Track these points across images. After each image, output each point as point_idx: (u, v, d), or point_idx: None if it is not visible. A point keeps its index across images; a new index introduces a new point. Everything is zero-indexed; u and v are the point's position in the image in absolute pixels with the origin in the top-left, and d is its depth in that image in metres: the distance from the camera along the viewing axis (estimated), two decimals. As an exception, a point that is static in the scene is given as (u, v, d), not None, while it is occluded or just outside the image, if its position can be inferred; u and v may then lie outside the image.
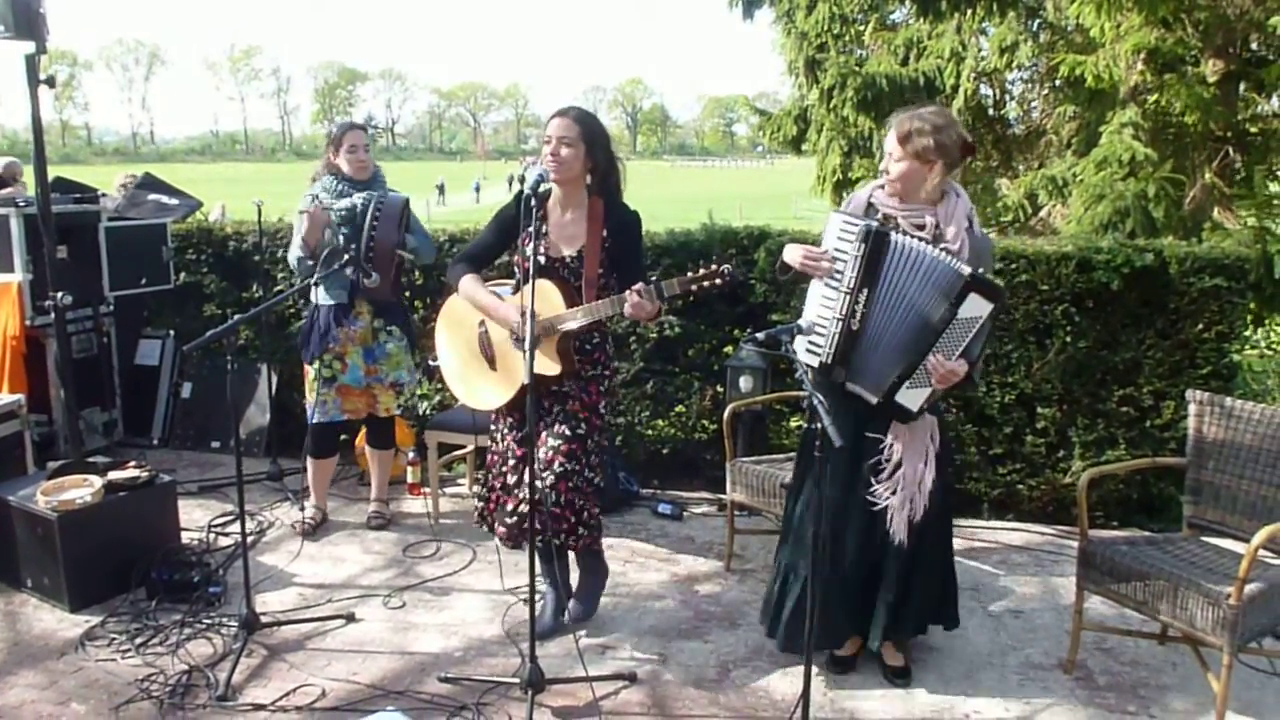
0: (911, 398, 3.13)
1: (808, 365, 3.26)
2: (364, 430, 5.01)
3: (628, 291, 3.20)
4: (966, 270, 3.01)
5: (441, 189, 45.33)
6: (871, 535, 3.29)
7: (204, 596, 3.96)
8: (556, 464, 3.51)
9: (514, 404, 3.65)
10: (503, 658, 3.62)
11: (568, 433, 3.52)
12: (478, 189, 46.95)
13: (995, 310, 3.04)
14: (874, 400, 3.17)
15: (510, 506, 3.62)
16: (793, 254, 3.26)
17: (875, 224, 3.11)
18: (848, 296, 3.13)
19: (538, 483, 3.50)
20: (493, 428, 3.81)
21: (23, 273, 5.23)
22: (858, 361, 3.16)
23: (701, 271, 3.13)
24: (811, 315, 3.20)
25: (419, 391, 5.73)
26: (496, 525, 3.72)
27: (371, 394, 4.67)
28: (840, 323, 3.14)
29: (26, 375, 5.27)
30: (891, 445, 3.24)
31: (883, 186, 3.27)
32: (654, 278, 3.32)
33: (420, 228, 4.73)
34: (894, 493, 3.23)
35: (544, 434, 3.57)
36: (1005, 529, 4.93)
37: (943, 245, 3.09)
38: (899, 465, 3.22)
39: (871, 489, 3.24)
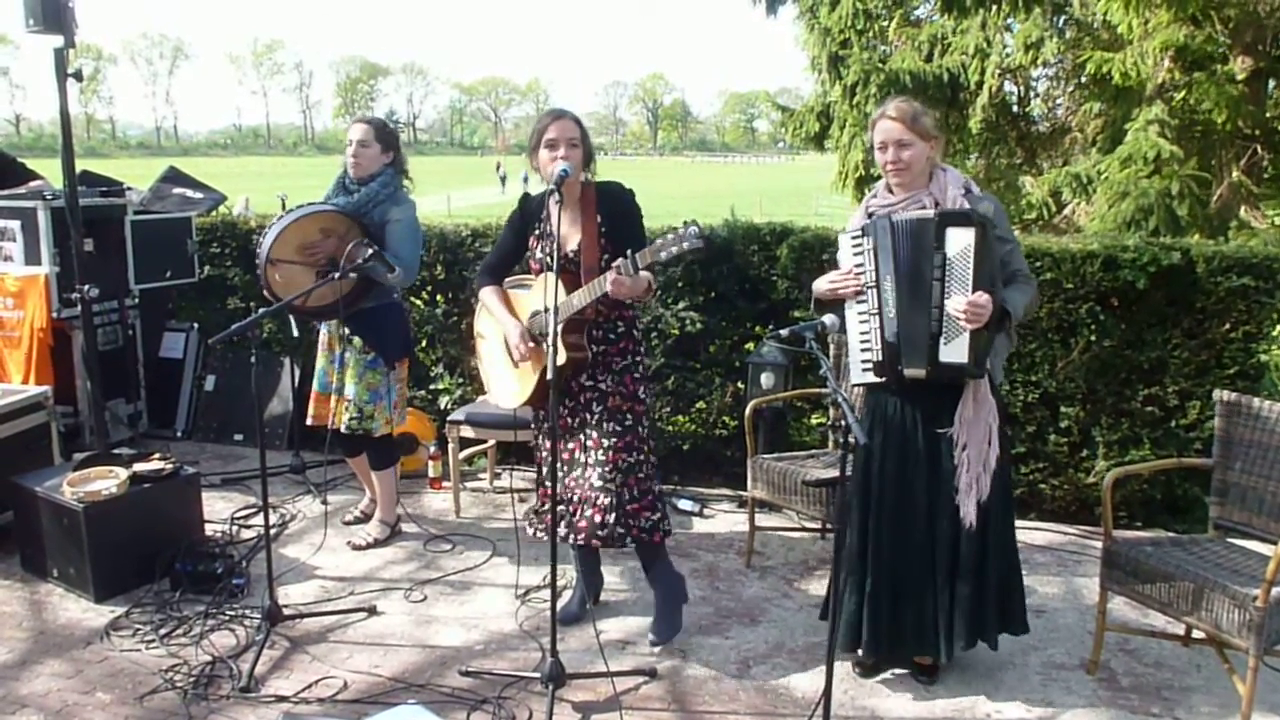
0: (954, 351, 3.09)
1: (863, 385, 3.30)
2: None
3: (610, 269, 3.23)
4: (930, 212, 3.09)
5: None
6: (952, 536, 3.25)
7: (227, 588, 3.99)
8: (620, 461, 3.50)
9: (541, 404, 3.66)
10: (524, 651, 3.63)
11: (618, 428, 3.52)
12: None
13: (980, 234, 3.01)
14: (923, 373, 3.14)
15: (591, 514, 3.56)
16: (820, 286, 3.33)
17: (874, 219, 3.20)
18: (874, 291, 3.17)
19: (609, 484, 3.49)
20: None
21: (50, 265, 5.27)
22: (903, 344, 3.16)
23: (670, 236, 3.13)
24: (854, 337, 3.24)
25: (442, 386, 5.75)
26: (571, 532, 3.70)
27: (327, 400, 4.45)
28: (876, 317, 3.18)
29: (53, 367, 5.31)
30: (957, 429, 3.20)
31: (875, 195, 3.33)
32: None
33: (398, 245, 4.20)
34: (960, 476, 3.21)
35: (595, 435, 3.54)
36: (1028, 528, 4.89)
37: None
38: (964, 448, 3.20)
39: (953, 486, 3.22)
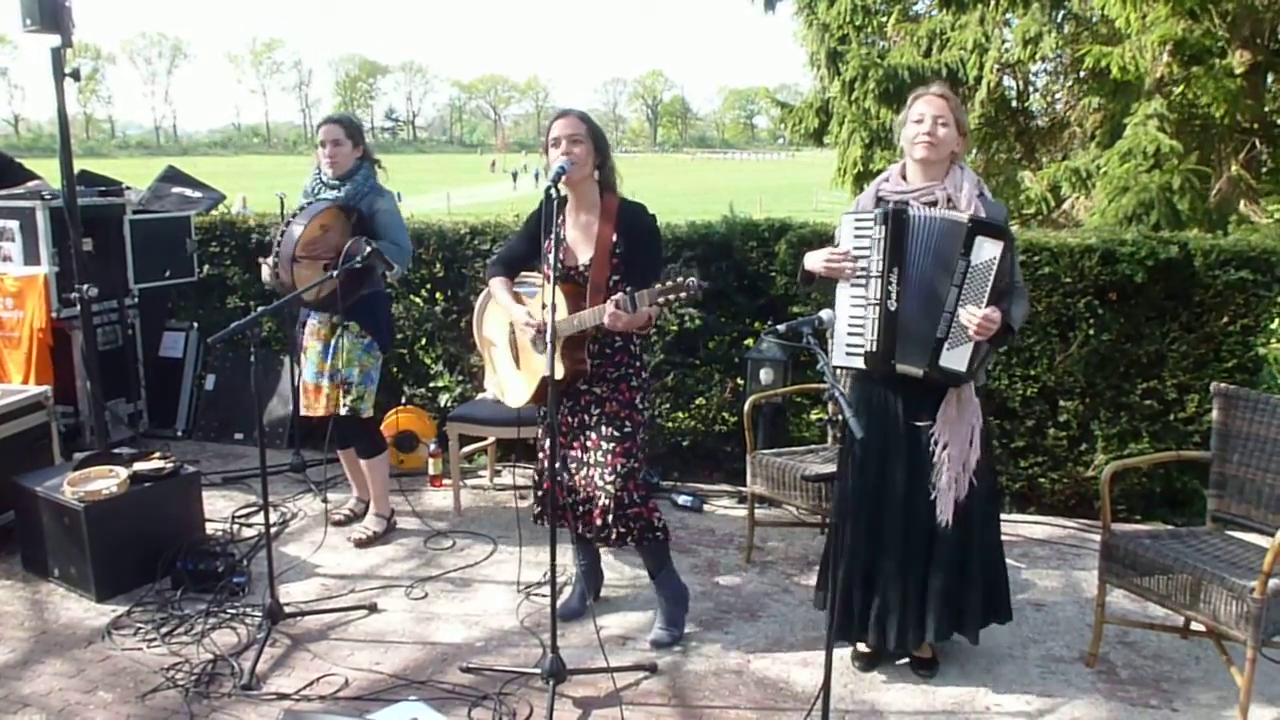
0: (956, 358, 3.11)
1: (847, 368, 3.30)
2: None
3: (609, 301, 3.24)
4: (964, 217, 3.06)
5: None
6: (929, 526, 3.26)
7: (228, 586, 4.00)
8: (619, 465, 3.51)
9: (544, 403, 3.65)
10: (524, 648, 3.64)
11: (616, 434, 3.53)
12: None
13: (1006, 248, 3.04)
14: (920, 372, 3.14)
15: (595, 516, 3.58)
16: (814, 261, 3.29)
17: (891, 206, 3.15)
18: (879, 280, 3.14)
19: (609, 486, 3.50)
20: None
21: (49, 265, 5.28)
22: (902, 339, 3.16)
23: (670, 284, 3.15)
24: (843, 318, 3.22)
25: (442, 384, 5.76)
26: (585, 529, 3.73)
27: (320, 390, 4.49)
28: (877, 307, 3.15)
29: (53, 367, 5.32)
30: (939, 427, 3.21)
31: (888, 179, 3.30)
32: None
33: (392, 234, 4.37)
34: (940, 475, 3.22)
35: (594, 437, 3.55)
36: (1027, 522, 4.91)
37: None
38: (945, 446, 3.21)
39: (931, 480, 3.23)
